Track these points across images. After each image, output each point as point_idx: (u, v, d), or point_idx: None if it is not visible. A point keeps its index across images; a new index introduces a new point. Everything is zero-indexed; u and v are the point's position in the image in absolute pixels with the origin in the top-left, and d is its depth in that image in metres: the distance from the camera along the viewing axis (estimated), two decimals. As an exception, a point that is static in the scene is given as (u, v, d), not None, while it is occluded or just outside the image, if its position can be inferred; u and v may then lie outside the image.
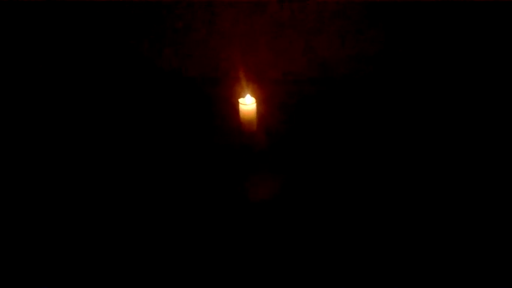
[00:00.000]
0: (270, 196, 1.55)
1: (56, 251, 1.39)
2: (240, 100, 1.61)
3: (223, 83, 1.79)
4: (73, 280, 1.31)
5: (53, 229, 1.47)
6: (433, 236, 1.39)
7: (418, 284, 1.26)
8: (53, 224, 1.48)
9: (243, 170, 1.66)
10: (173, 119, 1.82)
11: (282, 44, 1.73)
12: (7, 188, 1.61)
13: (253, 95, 1.63)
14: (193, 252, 1.38)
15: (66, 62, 1.79)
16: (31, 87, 1.82)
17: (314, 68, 1.77)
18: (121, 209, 1.53)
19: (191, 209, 1.52)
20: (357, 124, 1.78)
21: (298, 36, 1.72)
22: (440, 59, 1.74)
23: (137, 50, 1.77)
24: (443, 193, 1.53)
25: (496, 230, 1.39)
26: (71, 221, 1.50)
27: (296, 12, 1.67)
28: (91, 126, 1.81)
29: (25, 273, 1.33)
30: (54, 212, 1.53)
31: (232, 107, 1.70)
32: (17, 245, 1.42)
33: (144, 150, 1.74)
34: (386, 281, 1.27)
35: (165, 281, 1.30)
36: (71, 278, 1.32)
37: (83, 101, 1.83)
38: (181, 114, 1.83)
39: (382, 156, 1.68)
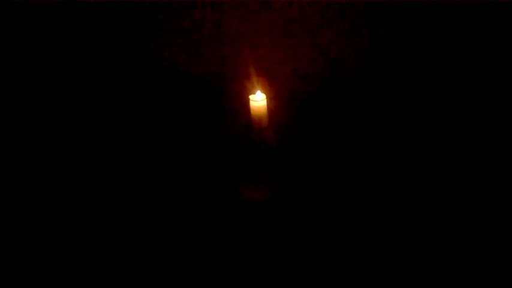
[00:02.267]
0: (279, 194, 1.55)
1: (56, 251, 1.39)
2: (251, 96, 1.62)
3: (232, 80, 1.80)
4: (72, 280, 1.31)
5: (56, 228, 1.47)
6: (434, 236, 1.38)
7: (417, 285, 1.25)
8: (58, 223, 1.48)
9: (253, 167, 1.66)
10: (182, 117, 1.82)
11: (290, 40, 1.74)
12: (7, 188, 1.61)
13: (263, 91, 1.63)
14: (198, 250, 1.37)
15: (75, 62, 1.79)
16: (34, 87, 1.81)
17: (322, 64, 1.78)
18: (130, 203, 1.52)
19: (200, 206, 1.51)
20: (366, 120, 1.78)
21: (305, 33, 1.73)
22: (445, 57, 1.75)
23: (145, 49, 1.77)
24: (449, 192, 1.53)
25: (496, 229, 1.38)
26: (79, 217, 1.49)
27: (304, 8, 1.68)
28: (101, 126, 1.81)
29: (25, 273, 1.33)
30: (64, 209, 1.52)
31: (242, 103, 1.71)
32: (16, 245, 1.41)
33: (154, 149, 1.74)
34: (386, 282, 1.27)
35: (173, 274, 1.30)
36: (71, 278, 1.31)
37: (92, 101, 1.83)
38: (190, 113, 1.83)
39: (394, 153, 1.68)
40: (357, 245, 1.37)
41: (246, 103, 1.66)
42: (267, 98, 1.61)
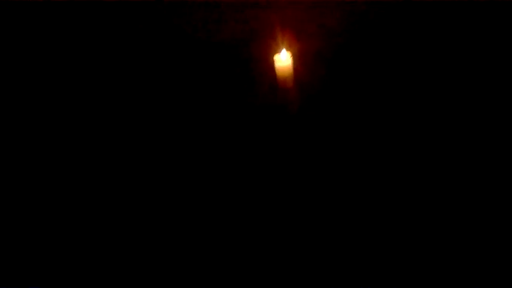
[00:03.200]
0: (309, 158, 1.53)
1: (56, 251, 1.39)
2: (275, 57, 1.58)
3: (256, 42, 1.76)
4: (71, 280, 1.31)
5: (57, 227, 1.45)
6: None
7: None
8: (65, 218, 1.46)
9: (280, 130, 1.63)
10: (207, 83, 1.81)
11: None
12: (7, 188, 1.58)
13: (288, 50, 1.59)
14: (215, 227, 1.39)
15: (101, 31, 1.81)
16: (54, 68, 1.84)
17: (348, 19, 1.70)
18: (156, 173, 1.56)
19: (228, 173, 1.52)
20: (397, 75, 1.70)
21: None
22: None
23: (167, 17, 1.75)
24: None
25: (496, 230, 1.31)
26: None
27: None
28: (125, 95, 1.83)
29: (25, 273, 1.34)
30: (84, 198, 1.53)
31: (267, 65, 1.68)
32: (16, 245, 1.41)
33: (179, 116, 1.74)
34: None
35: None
36: (71, 278, 1.32)
37: (116, 70, 1.85)
38: (215, 78, 1.81)
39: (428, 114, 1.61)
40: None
41: (271, 64, 1.63)
42: (292, 57, 1.57)
